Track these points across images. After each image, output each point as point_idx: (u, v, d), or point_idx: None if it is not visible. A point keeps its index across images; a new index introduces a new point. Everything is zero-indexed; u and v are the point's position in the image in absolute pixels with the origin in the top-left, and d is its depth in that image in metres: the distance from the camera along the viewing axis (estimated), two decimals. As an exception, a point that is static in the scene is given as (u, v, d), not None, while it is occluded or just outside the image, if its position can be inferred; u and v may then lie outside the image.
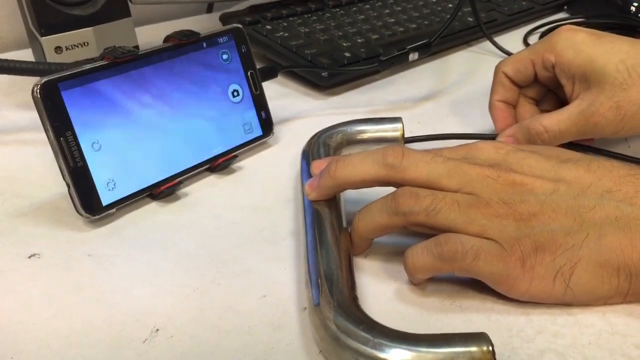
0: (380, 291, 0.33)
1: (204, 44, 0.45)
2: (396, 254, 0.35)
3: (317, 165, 0.38)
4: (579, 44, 0.42)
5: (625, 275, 0.30)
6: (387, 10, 0.73)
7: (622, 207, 0.31)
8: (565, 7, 0.84)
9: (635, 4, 0.75)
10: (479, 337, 0.26)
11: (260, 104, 0.48)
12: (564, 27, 0.45)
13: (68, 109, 0.37)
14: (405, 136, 0.44)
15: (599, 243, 0.30)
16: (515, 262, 0.30)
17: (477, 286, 0.33)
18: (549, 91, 0.48)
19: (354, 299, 0.30)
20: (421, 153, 0.34)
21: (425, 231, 0.33)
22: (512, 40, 0.72)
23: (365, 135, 0.45)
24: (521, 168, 0.33)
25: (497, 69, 0.47)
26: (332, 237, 0.33)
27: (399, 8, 0.74)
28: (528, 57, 0.45)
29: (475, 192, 0.32)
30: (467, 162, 0.34)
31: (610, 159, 0.34)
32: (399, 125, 0.45)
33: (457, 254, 0.30)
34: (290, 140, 0.50)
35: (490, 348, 0.26)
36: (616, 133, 0.41)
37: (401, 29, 0.68)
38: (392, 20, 0.70)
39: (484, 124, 0.51)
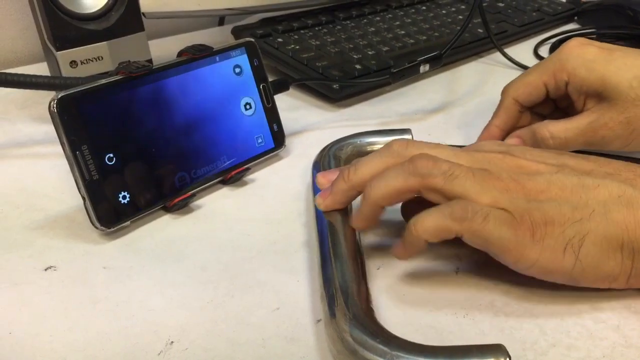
0: (393, 304, 0.33)
1: (217, 58, 0.45)
2: (410, 266, 0.35)
3: (323, 175, 0.39)
4: (591, 62, 0.42)
5: (629, 252, 0.30)
6: (397, 22, 0.73)
7: (624, 187, 0.32)
8: (576, 18, 0.84)
9: (646, 15, 0.75)
10: (497, 349, 0.26)
11: (272, 116, 0.48)
12: (572, 42, 0.44)
13: (84, 123, 0.37)
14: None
15: (605, 218, 0.31)
16: (525, 231, 0.30)
17: (490, 298, 0.33)
18: (557, 109, 0.47)
19: (370, 311, 0.30)
20: (426, 142, 0.36)
21: (436, 200, 0.33)
22: (522, 51, 0.72)
23: (375, 147, 0.46)
24: (524, 156, 0.35)
25: (506, 94, 0.46)
26: (346, 249, 0.34)
27: (409, 20, 0.74)
28: (539, 79, 0.44)
29: (485, 169, 0.33)
30: (474, 150, 0.36)
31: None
32: (408, 137, 0.45)
33: (467, 213, 0.31)
34: (301, 152, 0.50)
35: (507, 360, 0.26)
36: (624, 147, 0.42)
37: (411, 40, 0.68)
38: (403, 32, 0.70)
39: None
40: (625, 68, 0.41)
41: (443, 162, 0.32)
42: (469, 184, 0.32)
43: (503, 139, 0.47)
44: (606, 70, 0.41)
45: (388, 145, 0.36)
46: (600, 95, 0.42)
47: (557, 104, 0.47)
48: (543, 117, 0.47)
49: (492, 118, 0.47)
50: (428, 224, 0.31)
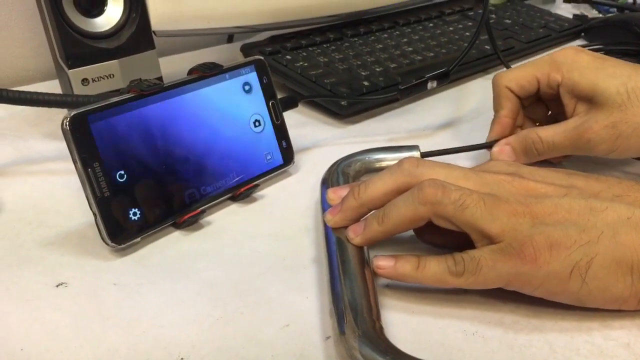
0: (403, 321, 0.33)
1: (227, 76, 0.46)
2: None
3: (334, 191, 0.40)
4: (584, 68, 0.44)
5: (639, 274, 0.30)
6: (405, 39, 0.74)
7: (632, 209, 0.32)
8: (583, 34, 0.84)
9: (653, 31, 0.76)
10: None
11: (281, 133, 0.49)
12: (569, 48, 0.46)
13: (96, 141, 0.38)
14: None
15: (613, 240, 0.31)
16: (526, 259, 0.31)
17: (499, 315, 0.33)
18: (538, 101, 0.49)
19: (380, 328, 0.30)
20: (437, 162, 0.37)
21: (446, 227, 0.33)
22: (529, 67, 0.72)
23: (384, 164, 0.46)
24: (533, 177, 0.35)
25: (499, 84, 0.47)
26: (355, 266, 0.34)
27: (417, 37, 0.75)
28: (533, 74, 0.46)
29: (493, 193, 0.33)
30: (483, 171, 0.36)
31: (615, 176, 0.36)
32: (416, 153, 0.46)
33: (461, 267, 0.32)
34: (310, 169, 0.50)
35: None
36: (610, 152, 0.42)
37: (419, 57, 0.68)
38: (410, 48, 0.71)
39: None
40: (614, 76, 0.42)
41: (453, 189, 0.33)
42: (479, 214, 0.32)
43: (514, 126, 0.48)
44: (597, 76, 0.43)
45: (399, 163, 0.37)
46: (591, 101, 0.43)
47: (550, 109, 0.48)
48: (536, 123, 0.49)
49: (497, 111, 0.48)
50: (431, 279, 0.33)
